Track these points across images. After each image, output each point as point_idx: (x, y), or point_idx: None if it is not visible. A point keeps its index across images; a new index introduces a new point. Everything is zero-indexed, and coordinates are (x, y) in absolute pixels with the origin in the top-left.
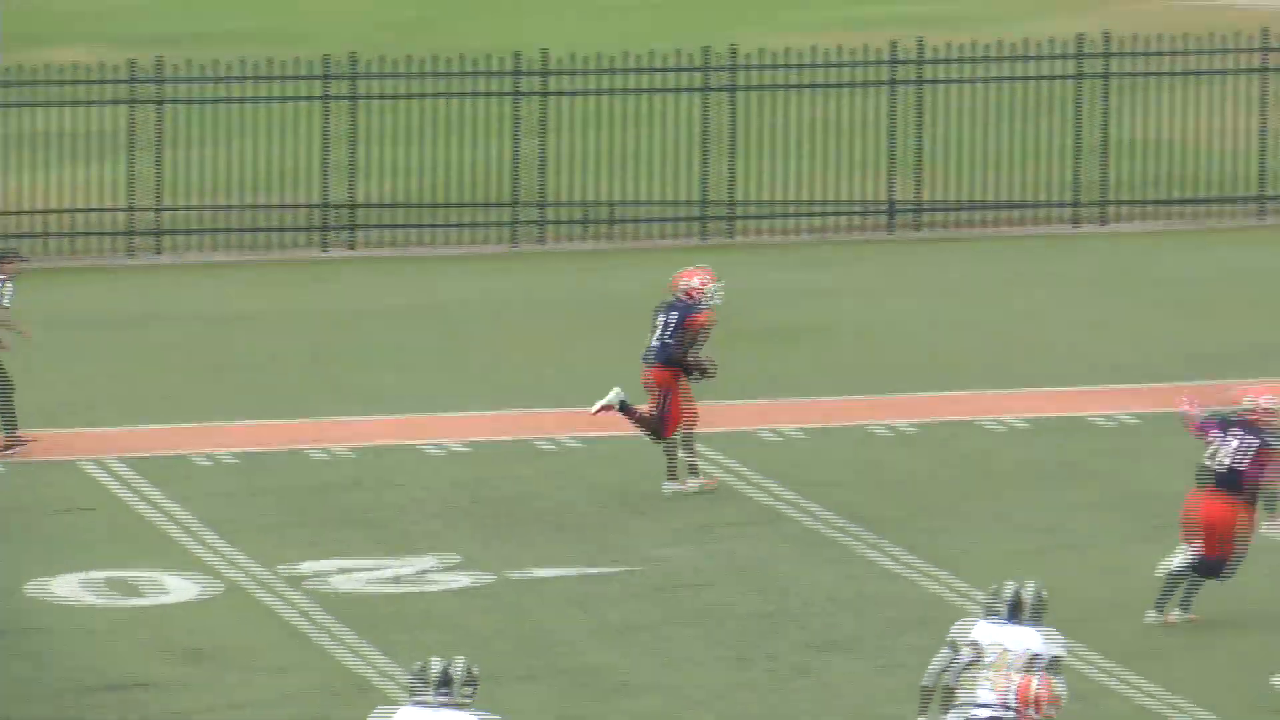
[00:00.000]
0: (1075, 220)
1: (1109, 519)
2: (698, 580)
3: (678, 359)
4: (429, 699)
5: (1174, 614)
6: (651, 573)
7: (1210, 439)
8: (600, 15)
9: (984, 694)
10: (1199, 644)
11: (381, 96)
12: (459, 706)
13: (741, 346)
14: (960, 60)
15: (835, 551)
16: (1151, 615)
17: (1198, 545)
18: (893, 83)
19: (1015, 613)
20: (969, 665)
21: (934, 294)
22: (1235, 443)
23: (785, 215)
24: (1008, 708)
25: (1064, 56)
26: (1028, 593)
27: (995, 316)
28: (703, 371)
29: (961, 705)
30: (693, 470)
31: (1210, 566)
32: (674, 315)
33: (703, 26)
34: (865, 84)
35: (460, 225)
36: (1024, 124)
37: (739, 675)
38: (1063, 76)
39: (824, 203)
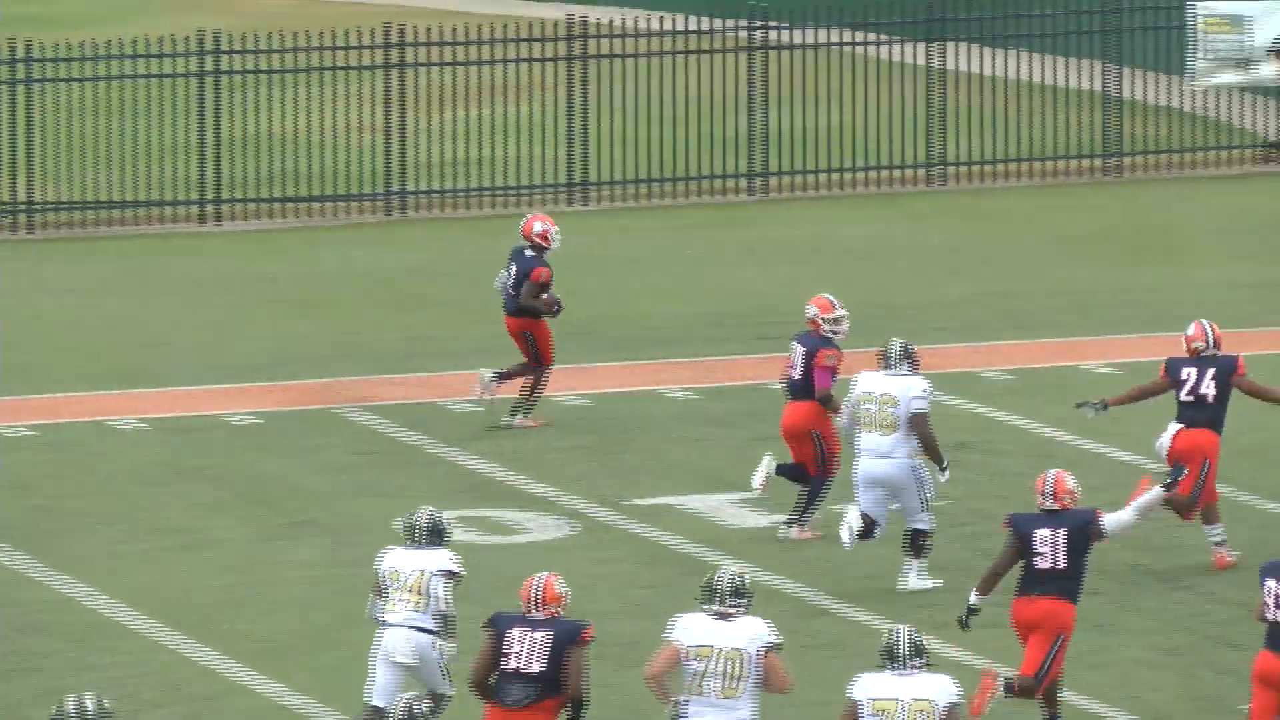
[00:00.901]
0: (201, 219)
1: (236, 518)
2: None
3: (525, 309)
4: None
5: (795, 529)
6: None
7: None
8: None
9: (393, 615)
10: (336, 642)
11: None
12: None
13: None
14: (79, 59)
15: None
16: (782, 531)
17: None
18: (12, 82)
19: (415, 536)
20: (390, 590)
21: (55, 295)
22: (800, 351)
23: None
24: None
25: (185, 54)
26: (422, 519)
27: (120, 317)
28: (553, 313)
29: (384, 624)
30: (529, 408)
31: (799, 471)
32: (516, 267)
33: None
34: None
35: None
36: (147, 122)
37: None
38: (185, 74)
39: None
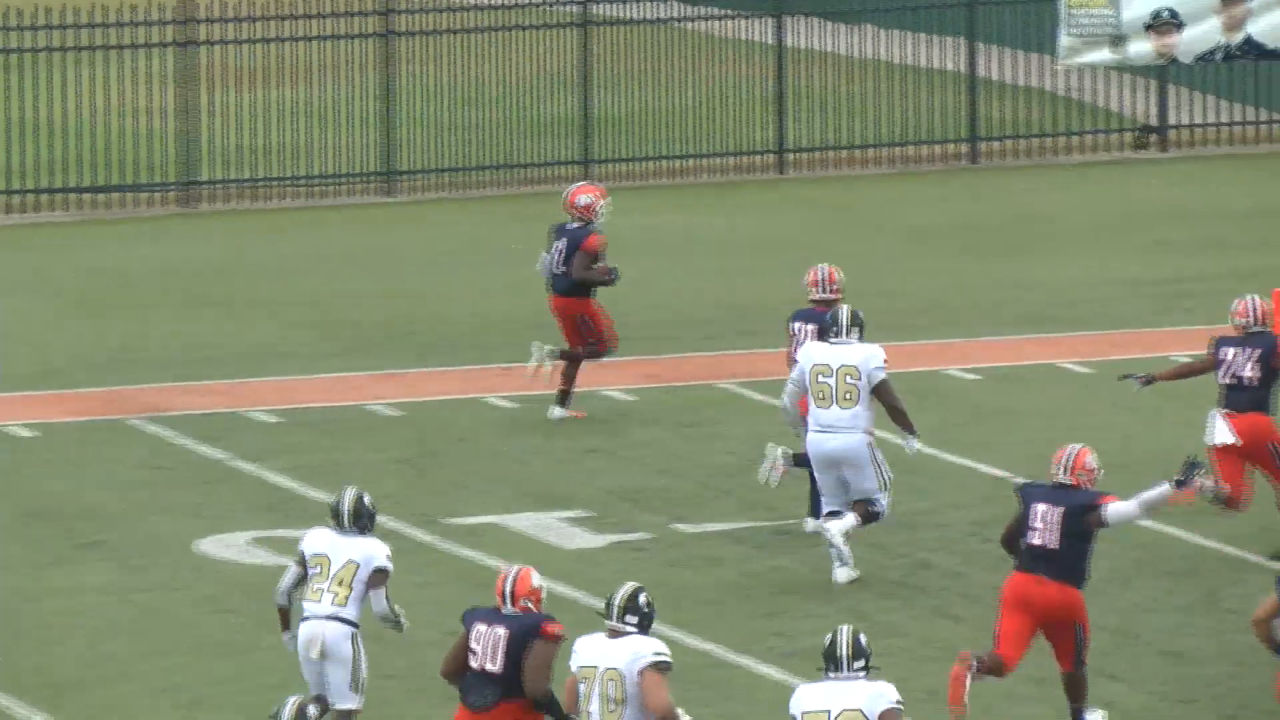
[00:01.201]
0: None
1: (17, 539)
2: None
3: (578, 285)
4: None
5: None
6: None
7: (794, 332)
8: None
9: (313, 605)
10: (126, 674)
11: None
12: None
13: None
14: None
15: None
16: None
17: None
18: None
19: (340, 521)
20: (313, 577)
21: None
22: (813, 330)
23: None
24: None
25: None
26: (348, 502)
27: None
28: (609, 280)
29: (305, 617)
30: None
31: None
32: (565, 240)
33: None
34: None
35: None
36: None
37: None
38: None
39: None
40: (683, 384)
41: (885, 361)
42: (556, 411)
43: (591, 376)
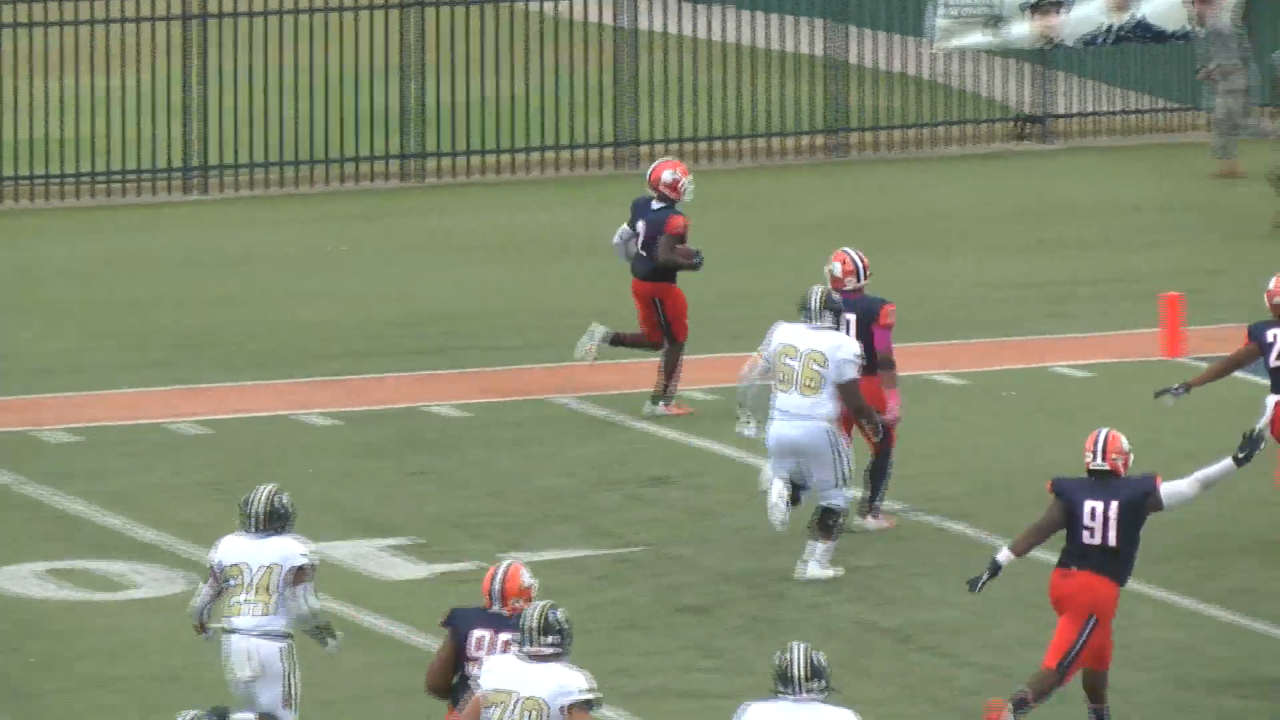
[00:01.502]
0: None
1: None
2: None
3: (661, 268)
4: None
5: (870, 519)
6: None
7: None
8: None
9: (239, 619)
10: None
11: None
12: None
13: None
14: None
15: None
16: (856, 522)
17: None
18: None
19: (255, 524)
20: (231, 589)
21: None
22: (850, 319)
23: None
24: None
25: None
26: (260, 502)
27: None
28: (693, 265)
29: (230, 631)
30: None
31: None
32: (645, 224)
33: None
34: None
35: None
36: None
37: None
38: None
39: None
40: (517, 399)
41: (858, 356)
42: (654, 407)
43: (416, 391)
